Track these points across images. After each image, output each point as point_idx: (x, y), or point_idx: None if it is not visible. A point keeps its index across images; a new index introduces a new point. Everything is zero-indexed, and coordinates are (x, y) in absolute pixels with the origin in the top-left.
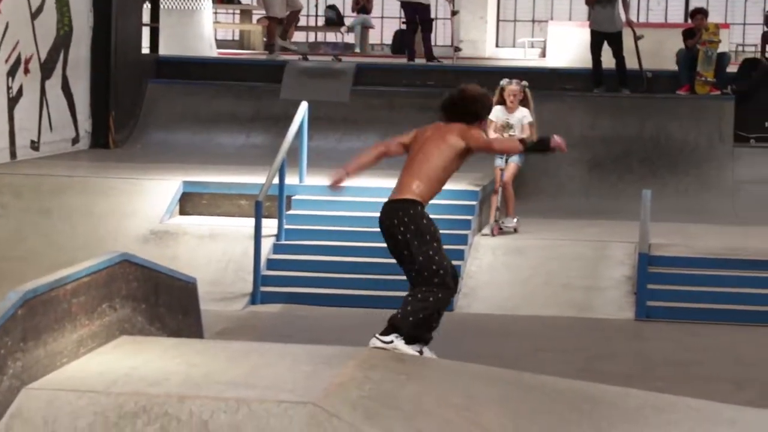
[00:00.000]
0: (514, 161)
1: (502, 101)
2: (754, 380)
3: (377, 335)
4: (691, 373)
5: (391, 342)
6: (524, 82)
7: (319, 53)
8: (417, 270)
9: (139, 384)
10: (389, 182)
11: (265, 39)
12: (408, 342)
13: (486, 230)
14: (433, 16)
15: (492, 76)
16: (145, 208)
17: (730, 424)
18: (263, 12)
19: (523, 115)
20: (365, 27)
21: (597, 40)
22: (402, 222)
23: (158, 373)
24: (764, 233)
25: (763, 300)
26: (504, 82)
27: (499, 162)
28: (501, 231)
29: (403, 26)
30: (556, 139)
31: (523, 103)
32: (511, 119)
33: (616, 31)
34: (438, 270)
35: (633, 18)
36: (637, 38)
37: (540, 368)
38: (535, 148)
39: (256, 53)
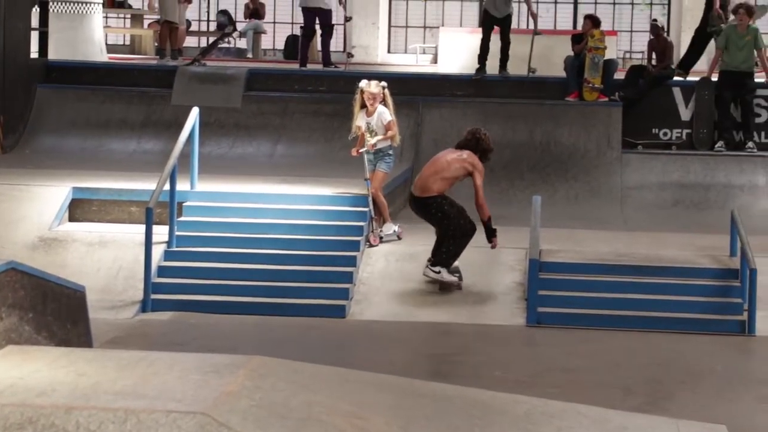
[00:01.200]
0: (382, 169)
1: (364, 104)
2: (641, 386)
3: (429, 267)
4: (581, 380)
5: (439, 272)
6: (383, 83)
7: (211, 58)
8: (449, 231)
9: (26, 395)
10: (279, 188)
11: (156, 44)
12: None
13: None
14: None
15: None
16: (34, 215)
17: (621, 431)
18: (154, 17)
19: (380, 116)
20: (257, 32)
21: (489, 22)
22: (431, 212)
23: (45, 384)
24: (651, 239)
25: (650, 305)
26: (363, 83)
27: (368, 167)
28: (381, 240)
29: (297, 32)
30: (495, 241)
31: (385, 104)
32: (372, 122)
33: (509, 14)
34: (465, 226)
35: (522, 25)
36: (536, 33)
37: (430, 375)
38: (487, 228)
39: (146, 58)
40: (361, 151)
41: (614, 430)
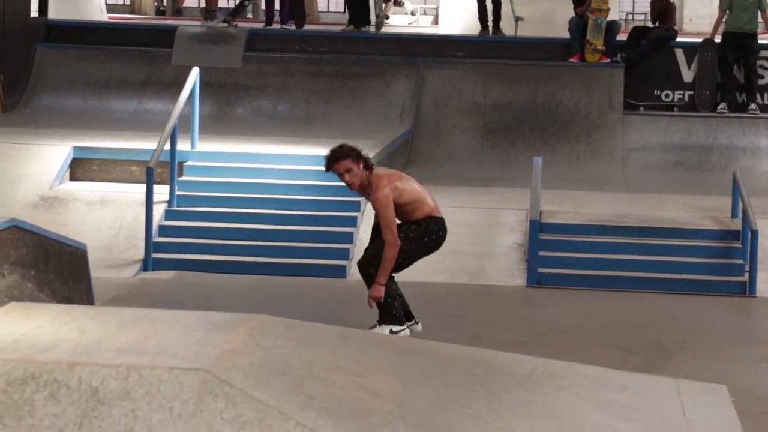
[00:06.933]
0: None
1: None
2: (641, 346)
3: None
4: (581, 340)
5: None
6: None
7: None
8: None
9: (28, 351)
10: (280, 149)
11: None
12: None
13: None
14: None
15: (384, 42)
16: (35, 174)
17: (621, 390)
18: None
19: None
20: None
21: None
22: None
23: (48, 340)
24: (651, 200)
25: (649, 266)
26: None
27: None
28: None
29: None
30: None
31: None
32: None
33: None
34: None
35: None
36: None
37: (430, 334)
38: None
39: (146, 18)
40: None
41: (614, 390)
